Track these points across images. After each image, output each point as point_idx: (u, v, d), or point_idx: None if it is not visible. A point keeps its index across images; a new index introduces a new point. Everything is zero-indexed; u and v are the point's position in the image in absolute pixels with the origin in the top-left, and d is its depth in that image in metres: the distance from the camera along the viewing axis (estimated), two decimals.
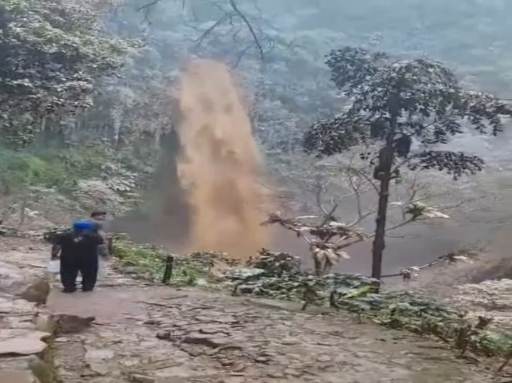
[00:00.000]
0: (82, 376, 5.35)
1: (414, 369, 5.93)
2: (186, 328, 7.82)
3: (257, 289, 12.99)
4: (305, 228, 28.19)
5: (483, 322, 8.45)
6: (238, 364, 6.04)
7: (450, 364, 6.27)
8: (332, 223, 28.34)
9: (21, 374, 3.88)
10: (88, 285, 12.25)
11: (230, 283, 14.10)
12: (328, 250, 25.37)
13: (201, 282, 14.03)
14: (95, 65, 24.34)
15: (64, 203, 54.07)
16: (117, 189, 59.78)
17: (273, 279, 14.10)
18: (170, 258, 13.83)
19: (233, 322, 8.29)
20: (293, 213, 46.03)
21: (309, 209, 50.67)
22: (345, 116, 23.34)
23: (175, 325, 8.00)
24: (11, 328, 5.27)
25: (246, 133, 67.24)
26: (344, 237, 27.65)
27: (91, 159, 60.88)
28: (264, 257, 19.74)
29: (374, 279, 13.83)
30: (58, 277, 12.42)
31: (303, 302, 10.53)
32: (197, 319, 8.48)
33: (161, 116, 66.09)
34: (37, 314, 6.28)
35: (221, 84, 67.02)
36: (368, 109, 22.93)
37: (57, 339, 6.59)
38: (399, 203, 29.26)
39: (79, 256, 12.11)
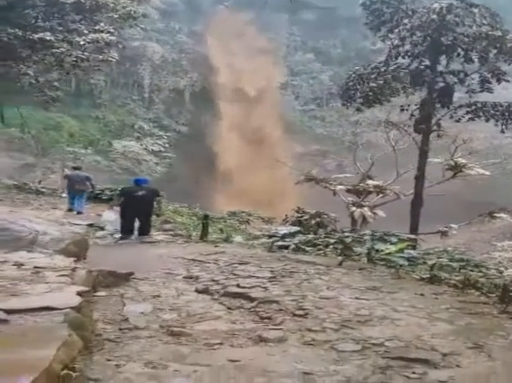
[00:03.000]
0: (120, 329, 5.36)
1: (456, 324, 5.81)
2: (224, 282, 7.82)
3: (293, 246, 12.99)
4: (341, 187, 27.92)
5: None
6: (277, 317, 6.01)
7: (493, 319, 6.13)
8: (369, 182, 28.02)
9: (56, 327, 3.89)
10: (146, 230, 13.93)
11: (267, 241, 14.10)
12: (365, 208, 25.21)
13: (238, 239, 14.10)
14: (116, 15, 23.78)
15: (102, 163, 54.44)
16: (151, 150, 59.91)
17: (310, 237, 14.08)
18: (206, 216, 13.91)
19: (270, 277, 8.27)
20: (329, 172, 45.72)
21: (345, 167, 50.32)
22: (382, 65, 22.35)
23: (213, 280, 8.01)
24: (47, 283, 5.33)
25: (279, 88, 66.16)
26: (381, 195, 27.35)
27: (123, 118, 60.92)
28: (299, 215, 19.68)
29: (411, 236, 13.66)
30: (109, 228, 13.99)
31: (340, 258, 10.48)
32: (234, 274, 8.48)
33: (190, 72, 65.30)
34: (74, 269, 6.35)
35: (249, 37, 65.65)
36: (406, 56, 21.84)
37: (96, 293, 6.66)
38: (439, 159, 28.56)
39: (141, 207, 13.85)
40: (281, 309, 6.35)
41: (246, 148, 60.29)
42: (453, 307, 6.56)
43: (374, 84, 22.20)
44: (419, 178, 22.80)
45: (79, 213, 19.12)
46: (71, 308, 4.31)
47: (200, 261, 9.76)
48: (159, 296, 6.97)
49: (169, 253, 10.65)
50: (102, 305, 6.30)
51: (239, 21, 66.20)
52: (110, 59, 24.53)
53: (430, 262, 9.06)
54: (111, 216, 14.14)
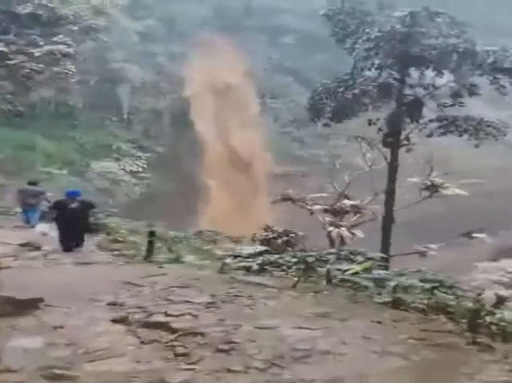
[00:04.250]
0: None
1: (411, 359, 4.73)
2: (151, 310, 6.70)
3: (256, 266, 11.85)
4: (318, 207, 26.91)
5: (501, 300, 7.21)
6: (194, 354, 4.90)
7: (458, 352, 5.06)
8: (346, 201, 27.01)
9: None
10: (81, 242, 13.88)
11: (230, 261, 12.94)
12: (342, 228, 24.19)
13: (189, 259, 12.87)
14: (75, 28, 22.77)
15: (78, 185, 53.11)
16: (130, 170, 58.79)
17: (275, 256, 12.93)
18: (151, 233, 12.63)
19: (208, 303, 7.15)
20: (309, 192, 44.73)
21: (326, 189, 49.36)
22: (349, 77, 21.37)
23: (139, 307, 6.88)
24: None
25: (257, 112, 65.59)
26: (358, 215, 26.33)
27: (101, 139, 59.62)
28: (267, 234, 18.58)
29: (381, 255, 12.57)
30: (46, 248, 13.37)
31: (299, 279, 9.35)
32: (168, 299, 7.34)
33: (169, 94, 64.63)
34: None
35: (228, 60, 65.19)
36: (373, 69, 20.88)
37: None
38: (415, 179, 27.64)
39: (73, 220, 13.59)
40: (204, 343, 5.24)
41: (225, 169, 59.36)
42: (412, 337, 5.46)
43: (342, 99, 21.21)
44: (389, 193, 21.78)
45: (32, 227, 18.04)
46: None
47: (135, 284, 8.59)
48: (62, 327, 5.85)
49: (104, 275, 9.45)
50: None
51: (219, 44, 65.71)
52: (66, 71, 23.27)
53: (391, 283, 7.91)
54: (44, 227, 14.22)
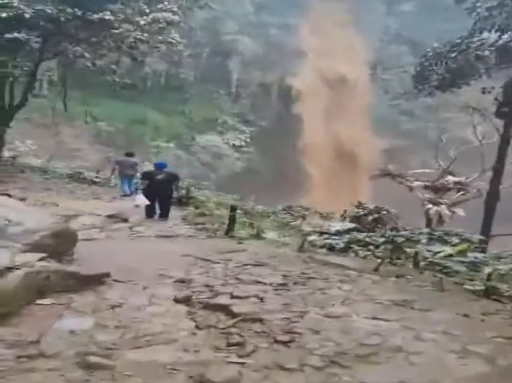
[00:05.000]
0: (19, 357, 3.96)
1: (497, 364, 4.03)
2: (218, 289, 6.31)
3: (341, 244, 11.25)
4: (418, 183, 25.71)
5: None
6: (249, 344, 4.44)
7: None
8: (449, 178, 25.57)
9: None
10: (166, 213, 14.71)
11: (316, 238, 12.39)
12: (442, 206, 22.94)
13: (271, 235, 12.39)
14: None
15: (182, 157, 54.28)
16: (233, 144, 59.24)
17: (363, 234, 12.24)
18: (233, 208, 12.18)
19: (279, 284, 6.66)
20: (413, 168, 43.08)
21: (431, 164, 47.41)
22: (465, 39, 19.56)
23: (207, 286, 6.51)
24: None
25: (368, 83, 63.77)
26: (462, 193, 24.87)
27: (208, 113, 60.50)
28: (358, 210, 17.79)
29: (479, 237, 11.54)
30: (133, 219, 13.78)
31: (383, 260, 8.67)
32: (238, 279, 6.92)
33: (280, 67, 64.01)
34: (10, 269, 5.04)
35: (343, 30, 63.49)
36: (494, 30, 18.95)
37: (39, 301, 5.30)
38: None
39: (160, 190, 14.52)
40: (262, 332, 4.76)
41: (328, 144, 58.55)
42: (502, 336, 4.71)
43: (453, 65, 19.58)
44: (498, 168, 20.14)
45: (125, 195, 19.05)
46: None
47: (209, 260, 8.23)
48: (119, 306, 5.53)
49: (181, 250, 9.14)
50: (34, 318, 4.92)
51: (334, 14, 64.08)
52: (171, 40, 23.01)
53: (486, 270, 7.07)
54: (143, 200, 14.41)
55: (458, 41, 20.35)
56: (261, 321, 5.01)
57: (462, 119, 41.05)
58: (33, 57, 23.07)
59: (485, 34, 19.89)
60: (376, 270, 7.85)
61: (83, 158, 41.81)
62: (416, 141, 59.93)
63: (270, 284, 6.62)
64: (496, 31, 19.32)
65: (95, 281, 6.30)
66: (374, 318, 5.17)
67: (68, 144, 44.53)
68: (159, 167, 15.27)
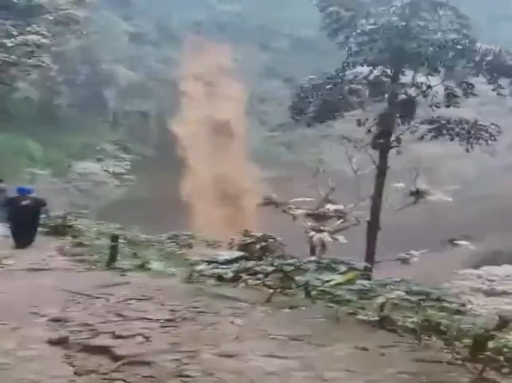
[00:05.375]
0: None
1: None
2: (98, 328, 5.72)
3: (230, 274, 10.87)
4: (301, 211, 25.97)
5: (504, 323, 6.25)
6: None
7: None
8: (329, 206, 26.07)
9: None
10: (31, 240, 14.10)
11: (203, 267, 11.94)
12: (324, 233, 23.26)
13: (156, 266, 11.81)
14: (51, 17, 21.55)
15: (59, 185, 52.35)
16: (113, 172, 57.83)
17: (252, 263, 11.94)
18: (115, 237, 11.54)
19: (166, 320, 6.16)
20: (296, 197, 43.70)
21: (310, 193, 48.43)
22: (339, 73, 20.19)
23: (86, 324, 5.90)
24: None
25: (245, 116, 64.82)
26: (342, 220, 25.41)
27: (85, 140, 58.94)
28: (245, 239, 17.58)
29: (365, 264, 11.62)
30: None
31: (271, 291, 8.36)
32: (121, 315, 6.35)
33: (157, 96, 63.80)
34: None
35: (220, 64, 64.47)
36: (365, 65, 19.66)
37: None
38: (401, 184, 26.73)
39: (25, 217, 13.95)
40: (150, 376, 4.24)
41: (211, 175, 58.57)
42: (405, 371, 4.48)
43: (329, 97, 20.07)
44: (376, 198, 20.77)
45: None
46: None
47: (88, 296, 7.58)
48: None
49: (57, 284, 8.41)
50: None
51: (210, 48, 64.89)
52: (40, 64, 22.04)
53: (379, 300, 6.94)
54: (2, 230, 14.46)
55: (334, 73, 20.86)
56: (148, 364, 4.50)
57: (337, 150, 42.45)
58: None
59: (358, 68, 20.54)
60: (268, 301, 7.52)
61: None
62: (296, 171, 61.11)
63: (157, 320, 6.11)
64: (368, 65, 19.99)
65: None
66: (271, 356, 4.81)
67: None
68: (23, 192, 14.61)
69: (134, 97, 62.61)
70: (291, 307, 7.24)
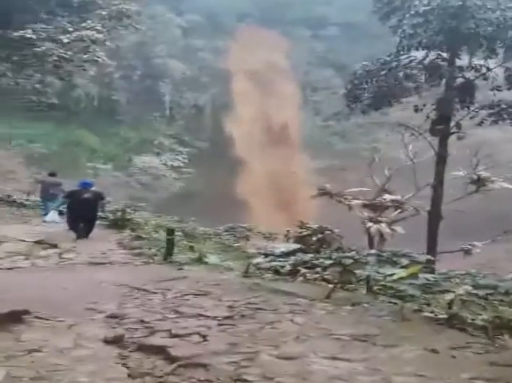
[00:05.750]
0: None
1: None
2: (153, 325, 5.57)
3: (288, 267, 10.66)
4: (357, 202, 25.42)
5: None
6: None
7: None
8: (386, 196, 25.45)
9: None
10: (88, 232, 14.57)
11: (260, 260, 11.74)
12: (382, 224, 22.68)
13: (213, 259, 11.63)
14: (104, 13, 21.73)
15: (120, 179, 53.60)
16: (171, 165, 58.76)
17: (309, 256, 11.66)
18: (171, 231, 11.36)
19: (224, 317, 5.96)
20: (350, 187, 43.07)
21: (367, 183, 47.69)
22: (392, 58, 19.51)
23: (142, 321, 5.75)
24: None
25: (298, 105, 64.36)
26: (399, 211, 24.77)
27: (143, 134, 60.17)
28: (301, 231, 17.27)
29: (428, 257, 11.16)
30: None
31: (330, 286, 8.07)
32: (177, 312, 6.19)
33: (210, 88, 64.12)
34: None
35: (270, 53, 64.17)
36: (420, 48, 18.91)
37: None
38: (461, 172, 25.85)
39: (85, 210, 14.40)
40: (207, 381, 4.04)
41: (264, 165, 58.51)
42: (481, 377, 4.14)
43: (385, 84, 19.45)
44: (437, 187, 20.08)
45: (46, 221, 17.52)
46: None
47: (145, 290, 7.46)
48: (39, 350, 4.70)
49: (114, 278, 8.33)
50: None
51: (261, 37, 64.75)
52: (96, 59, 22.21)
53: (447, 297, 6.56)
54: (55, 217, 15.39)
55: (388, 58, 20.22)
56: (204, 366, 4.29)
57: (392, 138, 41.67)
58: None
59: (412, 52, 19.84)
60: (328, 297, 7.25)
61: (17, 180, 40.43)
62: (350, 161, 60.46)
63: (214, 318, 5.92)
64: (422, 48, 19.27)
65: (10, 319, 5.46)
66: (334, 358, 4.54)
67: (2, 166, 43.16)
68: (85, 186, 15.16)
69: (188, 91, 63.32)
70: (353, 304, 6.94)
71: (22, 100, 24.19)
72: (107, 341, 5.06)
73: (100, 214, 15.41)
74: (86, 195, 14.63)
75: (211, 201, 50.87)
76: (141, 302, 6.81)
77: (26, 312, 5.69)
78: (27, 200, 23.25)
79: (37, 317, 5.72)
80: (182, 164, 59.42)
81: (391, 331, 5.54)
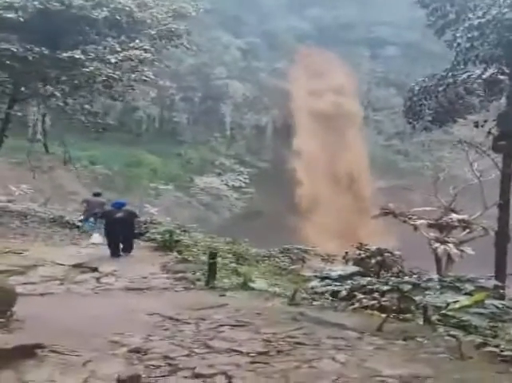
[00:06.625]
0: None
1: None
2: (177, 363, 4.96)
3: (344, 292, 9.89)
4: (422, 221, 24.37)
5: None
6: None
7: None
8: (453, 216, 24.32)
9: None
10: (128, 250, 14.96)
11: (317, 284, 11.01)
12: (450, 245, 21.59)
13: (259, 284, 10.88)
14: (153, 32, 21.64)
15: (182, 199, 53.93)
16: (232, 185, 58.83)
17: (367, 279, 10.85)
18: (213, 254, 10.69)
19: (258, 353, 5.30)
20: (414, 207, 41.90)
21: (431, 202, 46.35)
22: (449, 73, 18.52)
23: (165, 357, 5.14)
24: None
25: (360, 124, 63.65)
26: (467, 231, 23.60)
27: (204, 155, 60.49)
28: (359, 252, 16.42)
29: (495, 282, 10.09)
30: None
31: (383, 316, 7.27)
32: (208, 346, 5.56)
33: (271, 109, 64.20)
34: None
35: (331, 73, 63.79)
36: (477, 62, 17.89)
37: None
38: None
39: (120, 228, 14.71)
40: None
41: (327, 184, 57.88)
42: None
43: (445, 100, 18.51)
44: (503, 206, 18.93)
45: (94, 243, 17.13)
46: None
47: (178, 320, 6.85)
48: None
49: (149, 306, 7.76)
50: None
51: (320, 58, 64.64)
52: (144, 78, 22.17)
53: None
54: (98, 239, 15.86)
55: (444, 73, 19.26)
56: None
57: (456, 155, 40.46)
58: (5, 98, 22.64)
59: (470, 67, 18.88)
60: (379, 329, 6.47)
61: (78, 202, 41.14)
62: (413, 180, 59.26)
63: (247, 354, 5.27)
64: (480, 62, 18.29)
65: (22, 354, 4.95)
66: None
67: (65, 188, 44.07)
68: (118, 206, 15.51)
69: (249, 112, 63.63)
70: (406, 338, 6.13)
71: (71, 120, 24.27)
72: (119, 382, 4.47)
73: (144, 234, 16.02)
74: (119, 215, 14.98)
75: (272, 221, 50.52)
76: (171, 333, 6.22)
77: (39, 346, 5.17)
78: (80, 221, 23.19)
79: (52, 351, 5.21)
80: (243, 184, 59.40)
81: (446, 372, 4.74)
